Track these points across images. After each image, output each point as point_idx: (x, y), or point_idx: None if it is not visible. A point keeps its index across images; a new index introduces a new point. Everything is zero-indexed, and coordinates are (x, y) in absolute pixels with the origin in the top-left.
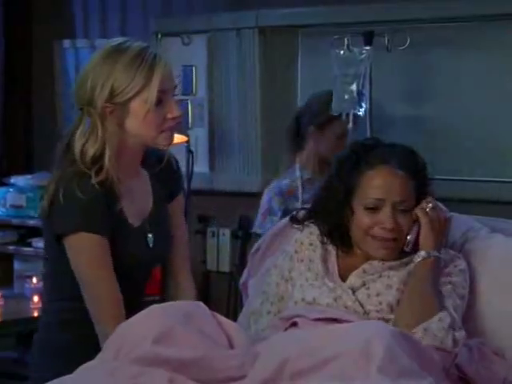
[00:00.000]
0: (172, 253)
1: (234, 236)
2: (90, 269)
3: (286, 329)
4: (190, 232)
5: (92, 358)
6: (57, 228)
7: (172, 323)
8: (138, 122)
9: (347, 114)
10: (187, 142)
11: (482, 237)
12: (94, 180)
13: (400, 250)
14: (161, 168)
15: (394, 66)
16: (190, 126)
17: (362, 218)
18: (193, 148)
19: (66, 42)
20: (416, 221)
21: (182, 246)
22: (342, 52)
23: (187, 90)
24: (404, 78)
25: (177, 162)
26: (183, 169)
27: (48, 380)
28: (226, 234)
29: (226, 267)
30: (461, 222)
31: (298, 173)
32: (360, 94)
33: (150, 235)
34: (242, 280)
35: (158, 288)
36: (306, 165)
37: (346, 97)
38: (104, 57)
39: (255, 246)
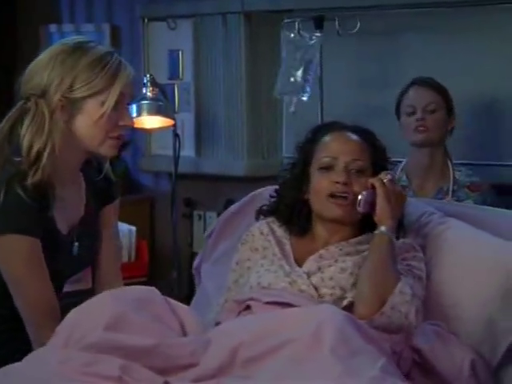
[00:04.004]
0: (103, 263)
1: None
2: (25, 271)
3: (239, 312)
4: (176, 215)
5: None
6: None
7: (124, 309)
8: (89, 122)
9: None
10: (174, 126)
11: (436, 222)
12: (30, 180)
13: (356, 222)
14: (99, 177)
15: (345, 52)
16: (176, 110)
17: (318, 180)
18: (179, 132)
19: (53, 27)
20: (371, 188)
21: (113, 256)
22: (292, 35)
23: (173, 74)
24: (355, 64)
25: (112, 171)
26: (170, 153)
27: None
28: (212, 217)
29: None
30: (414, 207)
31: None
32: (305, 79)
33: (76, 244)
34: (194, 265)
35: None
36: None
37: (292, 81)
38: (68, 51)
39: (207, 230)
